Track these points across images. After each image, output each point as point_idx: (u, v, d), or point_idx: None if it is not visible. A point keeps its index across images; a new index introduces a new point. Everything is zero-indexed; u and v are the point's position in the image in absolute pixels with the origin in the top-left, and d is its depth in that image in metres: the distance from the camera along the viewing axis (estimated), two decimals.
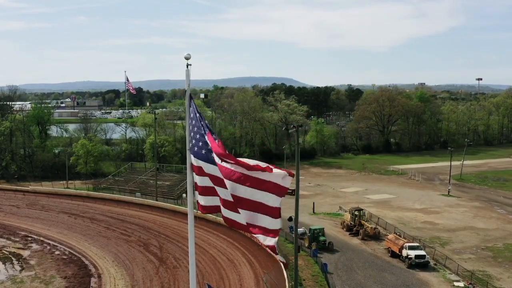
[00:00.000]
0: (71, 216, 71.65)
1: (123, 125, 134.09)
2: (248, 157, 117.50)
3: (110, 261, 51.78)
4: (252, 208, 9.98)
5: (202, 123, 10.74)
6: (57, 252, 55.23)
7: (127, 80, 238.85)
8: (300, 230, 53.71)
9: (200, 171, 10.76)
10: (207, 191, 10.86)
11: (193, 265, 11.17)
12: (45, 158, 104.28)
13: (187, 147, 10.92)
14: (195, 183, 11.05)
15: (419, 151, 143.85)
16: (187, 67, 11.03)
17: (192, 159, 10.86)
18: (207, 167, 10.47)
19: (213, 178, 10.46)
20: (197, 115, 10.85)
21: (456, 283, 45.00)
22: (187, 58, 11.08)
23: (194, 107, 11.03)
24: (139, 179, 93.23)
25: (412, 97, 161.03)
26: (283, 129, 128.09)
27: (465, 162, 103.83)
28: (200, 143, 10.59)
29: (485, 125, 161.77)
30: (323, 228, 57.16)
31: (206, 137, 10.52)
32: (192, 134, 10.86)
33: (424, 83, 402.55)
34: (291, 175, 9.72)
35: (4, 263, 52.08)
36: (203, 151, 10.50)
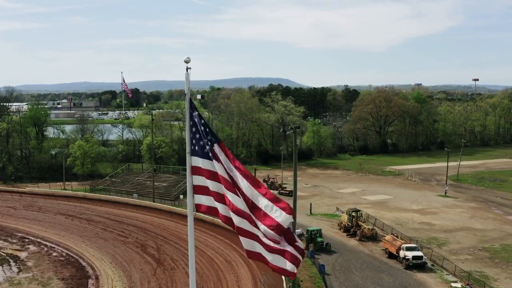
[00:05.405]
0: (68, 218, 71.58)
1: (120, 126, 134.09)
2: (245, 157, 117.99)
3: (107, 263, 51.75)
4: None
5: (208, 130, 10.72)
6: (54, 254, 55.17)
7: (124, 81, 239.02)
8: (298, 231, 53.65)
9: (199, 171, 10.71)
10: (203, 191, 10.81)
11: (193, 267, 11.17)
12: (42, 159, 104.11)
13: (187, 151, 10.84)
14: (194, 185, 10.97)
15: (415, 151, 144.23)
16: (187, 70, 10.83)
17: (193, 160, 10.76)
18: (207, 164, 10.47)
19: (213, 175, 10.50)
20: (201, 126, 10.72)
21: (453, 284, 45.12)
22: (186, 62, 10.84)
23: (195, 109, 10.85)
24: (136, 180, 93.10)
25: (409, 97, 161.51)
26: (280, 130, 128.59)
27: (462, 163, 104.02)
28: (201, 142, 10.51)
29: (482, 125, 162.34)
30: (321, 229, 57.23)
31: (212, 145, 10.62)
32: (199, 134, 10.61)
33: (421, 84, 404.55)
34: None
35: (1, 264, 52.00)
36: (206, 149, 10.45)
